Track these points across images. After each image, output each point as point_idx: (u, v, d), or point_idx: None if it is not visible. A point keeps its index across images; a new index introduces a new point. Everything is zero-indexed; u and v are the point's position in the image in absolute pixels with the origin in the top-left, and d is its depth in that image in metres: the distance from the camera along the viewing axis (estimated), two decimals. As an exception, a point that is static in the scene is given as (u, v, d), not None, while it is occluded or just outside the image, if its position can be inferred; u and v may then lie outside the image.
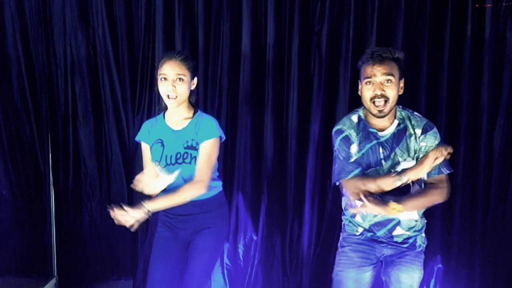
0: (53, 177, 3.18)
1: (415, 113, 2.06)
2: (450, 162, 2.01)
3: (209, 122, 2.16)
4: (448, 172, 1.99)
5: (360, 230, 2.06)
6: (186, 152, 2.12)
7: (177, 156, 2.12)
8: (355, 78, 2.74)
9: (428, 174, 1.97)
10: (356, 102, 2.66)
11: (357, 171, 1.95)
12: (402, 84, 1.98)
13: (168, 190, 2.09)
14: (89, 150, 3.14)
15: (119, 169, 3.17)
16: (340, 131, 2.03)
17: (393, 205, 1.82)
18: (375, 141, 1.98)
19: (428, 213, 2.52)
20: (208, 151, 2.10)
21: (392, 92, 1.90)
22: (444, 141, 2.17)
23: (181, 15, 2.80)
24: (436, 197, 1.95)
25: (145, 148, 2.22)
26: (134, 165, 2.99)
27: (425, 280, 2.95)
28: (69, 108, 3.09)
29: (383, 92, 1.90)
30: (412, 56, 2.82)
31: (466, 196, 2.88)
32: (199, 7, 2.83)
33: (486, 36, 2.77)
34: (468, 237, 2.94)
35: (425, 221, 2.10)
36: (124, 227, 2.94)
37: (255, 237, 3.03)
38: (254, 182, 2.98)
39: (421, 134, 1.96)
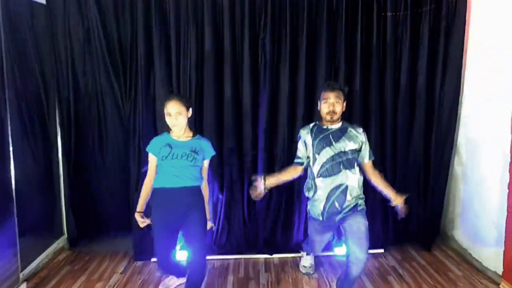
0: (62, 147, 3.81)
1: (354, 124, 3.05)
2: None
3: (209, 144, 2.94)
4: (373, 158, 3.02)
5: (320, 213, 2.91)
6: (191, 154, 2.81)
7: (183, 155, 2.79)
8: (292, 73, 3.62)
9: (368, 158, 2.98)
10: (293, 88, 3.60)
11: (301, 163, 3.01)
12: (344, 104, 2.95)
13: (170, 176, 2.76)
14: (89, 124, 3.79)
15: (113, 142, 3.84)
16: (300, 133, 3.03)
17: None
18: (327, 132, 2.92)
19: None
20: (208, 163, 2.97)
21: (339, 108, 2.90)
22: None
23: (157, 26, 3.50)
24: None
25: (153, 159, 2.87)
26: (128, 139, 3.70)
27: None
28: (71, 84, 3.72)
29: (333, 108, 2.88)
30: (333, 53, 3.67)
31: (376, 152, 3.70)
32: (171, 16, 3.52)
33: (388, 39, 3.67)
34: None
35: (362, 190, 2.97)
36: (121, 192, 3.71)
37: (220, 196, 3.77)
38: (218, 154, 3.61)
39: (362, 131, 2.99)
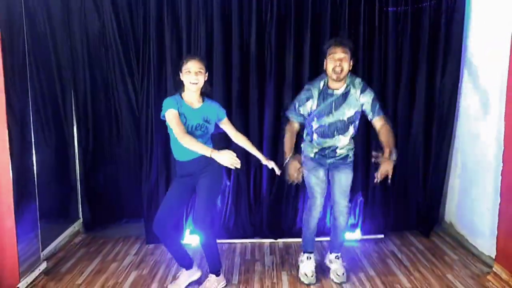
0: (78, 137, 4.02)
1: (358, 79, 2.99)
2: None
3: (218, 105, 2.97)
4: (382, 114, 2.99)
5: (313, 154, 3.08)
6: (204, 124, 2.83)
7: (197, 126, 2.80)
8: (297, 65, 3.78)
9: (372, 116, 2.96)
10: (298, 75, 3.76)
11: (297, 120, 3.03)
12: (351, 62, 2.89)
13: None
14: (104, 115, 4.00)
15: (127, 133, 4.05)
16: (309, 89, 2.98)
17: (393, 154, 2.78)
18: (329, 99, 2.91)
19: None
20: (228, 122, 3.03)
21: (346, 65, 2.83)
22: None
23: (169, 20, 3.66)
24: (391, 130, 2.92)
25: (176, 113, 2.72)
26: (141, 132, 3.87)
27: (352, 210, 4.00)
28: (87, 76, 3.95)
29: (341, 64, 2.81)
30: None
31: (378, 145, 3.87)
32: (182, 11, 3.69)
33: (389, 32, 3.81)
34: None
35: (353, 145, 3.12)
36: (133, 181, 3.87)
37: (228, 183, 3.96)
38: (225, 143, 3.68)
39: (361, 92, 2.94)
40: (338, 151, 3.05)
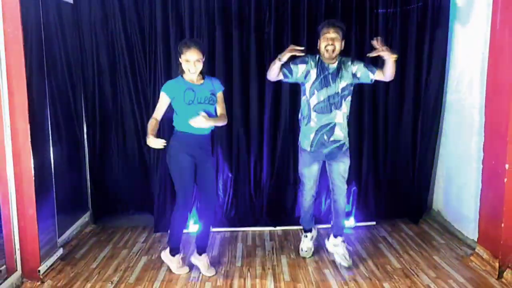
0: (87, 133, 4.26)
1: (347, 57, 3.26)
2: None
3: (218, 81, 3.21)
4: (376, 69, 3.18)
5: (310, 145, 3.27)
6: (212, 97, 3.08)
7: (205, 98, 3.04)
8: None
9: (372, 73, 3.16)
10: None
11: (284, 71, 3.18)
12: (343, 43, 3.13)
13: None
14: (112, 113, 4.23)
15: (134, 129, 4.27)
16: (304, 58, 3.16)
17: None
18: (327, 72, 3.14)
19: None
20: (222, 98, 3.19)
21: (338, 44, 3.08)
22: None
23: (173, 24, 3.92)
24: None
25: (165, 98, 3.03)
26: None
27: (346, 199, 4.27)
28: (96, 78, 4.18)
29: (333, 43, 3.05)
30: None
31: (369, 137, 4.22)
32: (186, 14, 3.94)
33: (379, 33, 4.06)
34: (372, 166, 4.28)
35: (347, 128, 3.31)
36: (139, 174, 4.09)
37: (230, 175, 4.21)
38: (227, 139, 4.14)
39: (351, 63, 3.19)
40: (336, 131, 3.22)
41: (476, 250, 3.52)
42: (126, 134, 4.32)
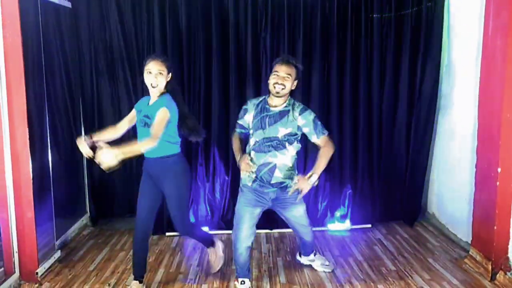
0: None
1: (298, 103, 2.99)
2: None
3: (163, 98, 2.80)
4: (327, 133, 2.96)
5: (251, 182, 2.99)
6: (143, 120, 2.83)
7: (140, 121, 2.86)
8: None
9: (316, 137, 2.91)
10: None
11: (238, 130, 3.13)
12: (295, 83, 2.91)
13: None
14: (109, 118, 4.25)
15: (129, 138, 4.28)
16: (247, 103, 3.08)
17: (315, 182, 2.87)
18: (265, 114, 2.93)
19: (341, 155, 4.01)
20: (159, 116, 2.72)
21: (288, 84, 2.85)
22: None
23: (170, 27, 3.97)
24: (330, 153, 2.91)
25: (131, 113, 3.03)
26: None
27: (341, 202, 4.35)
28: (94, 82, 4.22)
29: (283, 82, 2.83)
30: (326, 50, 4.13)
31: (364, 140, 4.25)
32: (183, 23, 4.00)
33: (374, 37, 4.13)
34: (368, 169, 4.32)
35: (296, 172, 3.03)
36: (136, 178, 4.09)
37: (227, 178, 4.26)
38: (224, 140, 4.17)
39: (299, 115, 2.90)
40: (276, 173, 2.93)
41: (469, 253, 3.56)
42: (124, 137, 4.31)
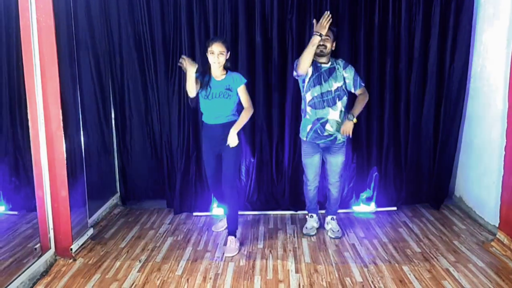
0: (115, 121, 4.42)
1: (340, 59, 3.53)
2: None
3: (239, 75, 3.40)
4: (363, 85, 3.53)
5: (306, 134, 3.56)
6: (226, 92, 3.34)
7: (219, 93, 3.33)
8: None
9: (355, 88, 3.49)
10: None
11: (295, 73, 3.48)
12: (334, 44, 3.45)
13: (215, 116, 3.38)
14: (138, 104, 4.38)
15: (156, 120, 4.38)
16: None
17: (353, 120, 3.41)
18: (320, 70, 3.43)
19: (368, 137, 4.07)
20: (244, 90, 3.39)
21: (328, 44, 3.39)
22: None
23: (198, 11, 4.01)
24: (365, 100, 3.51)
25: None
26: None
27: (367, 184, 4.36)
28: (125, 75, 4.32)
29: (324, 43, 3.35)
30: (354, 32, 4.10)
31: (391, 122, 4.23)
32: (210, 7, 4.03)
33: (402, 18, 4.07)
34: (394, 152, 4.31)
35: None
36: (166, 160, 4.20)
37: (252, 160, 4.31)
38: (249, 124, 4.10)
39: (343, 69, 3.48)
40: (327, 127, 3.48)
41: (497, 236, 3.54)
42: (153, 120, 4.43)
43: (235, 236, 3.56)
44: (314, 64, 3.44)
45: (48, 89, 3.11)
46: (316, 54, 3.36)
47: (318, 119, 3.48)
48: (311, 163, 3.67)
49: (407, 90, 4.21)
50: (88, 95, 3.97)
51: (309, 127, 3.54)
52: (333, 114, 3.47)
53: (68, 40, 3.34)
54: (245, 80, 3.41)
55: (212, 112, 3.42)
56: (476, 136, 4.14)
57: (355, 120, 3.43)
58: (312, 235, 3.78)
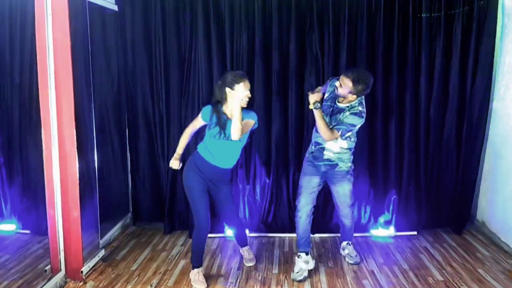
0: (129, 142, 4.36)
1: (360, 107, 3.17)
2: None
3: (254, 114, 3.10)
4: (338, 132, 3.13)
5: (308, 154, 3.45)
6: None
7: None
8: (335, 68, 3.98)
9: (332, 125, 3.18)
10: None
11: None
12: (349, 96, 3.14)
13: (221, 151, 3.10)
14: (151, 124, 4.28)
15: (172, 140, 4.22)
16: (333, 82, 3.31)
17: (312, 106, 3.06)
18: (334, 104, 3.29)
19: (386, 159, 3.95)
20: (248, 125, 3.04)
21: (342, 92, 3.13)
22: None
23: (214, 28, 3.94)
24: (327, 130, 3.10)
25: (200, 122, 3.16)
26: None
27: (386, 207, 4.22)
28: (138, 83, 4.22)
29: (342, 91, 3.14)
30: (372, 51, 4.01)
31: (411, 144, 4.11)
32: (226, 26, 3.97)
33: (423, 38, 3.98)
34: (414, 174, 4.17)
35: (352, 157, 3.36)
36: (180, 180, 4.08)
37: (267, 181, 4.21)
38: (265, 145, 4.13)
39: (348, 113, 3.16)
40: (325, 152, 3.31)
41: (524, 265, 3.38)
42: (170, 139, 4.29)
43: (247, 245, 3.68)
44: (335, 96, 3.29)
45: (63, 108, 3.08)
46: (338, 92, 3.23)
47: (316, 143, 3.37)
48: (307, 185, 3.40)
49: (427, 111, 4.09)
50: (103, 113, 3.94)
51: (311, 149, 3.45)
52: (331, 144, 3.27)
53: (84, 60, 3.32)
54: (257, 125, 3.19)
55: (220, 152, 3.11)
56: (500, 158, 4.00)
57: (312, 106, 3.06)
58: (301, 281, 3.33)
